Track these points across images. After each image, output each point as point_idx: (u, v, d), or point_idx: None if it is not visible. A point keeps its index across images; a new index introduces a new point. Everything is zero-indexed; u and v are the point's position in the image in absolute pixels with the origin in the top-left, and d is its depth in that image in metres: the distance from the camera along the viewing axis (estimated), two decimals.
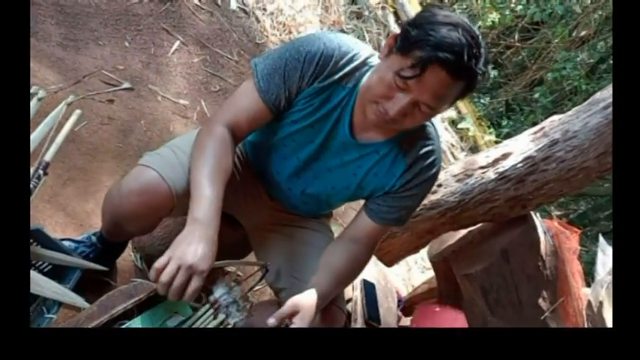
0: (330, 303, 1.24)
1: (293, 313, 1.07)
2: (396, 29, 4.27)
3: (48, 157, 1.16)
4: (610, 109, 1.58)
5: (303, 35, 1.18)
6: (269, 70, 1.11)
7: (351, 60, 1.11)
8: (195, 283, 0.94)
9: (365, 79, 1.11)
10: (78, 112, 1.23)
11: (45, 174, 1.14)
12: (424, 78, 0.97)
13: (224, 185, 1.06)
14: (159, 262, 0.94)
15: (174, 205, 1.14)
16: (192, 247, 0.95)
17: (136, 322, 0.96)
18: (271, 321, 1.04)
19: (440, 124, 4.17)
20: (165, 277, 0.92)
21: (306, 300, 1.09)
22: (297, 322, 1.06)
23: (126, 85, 2.00)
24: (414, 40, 0.97)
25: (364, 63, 1.12)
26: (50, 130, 1.17)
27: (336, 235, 1.53)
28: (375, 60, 1.13)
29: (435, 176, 1.22)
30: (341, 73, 1.11)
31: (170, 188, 1.12)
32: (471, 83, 1.01)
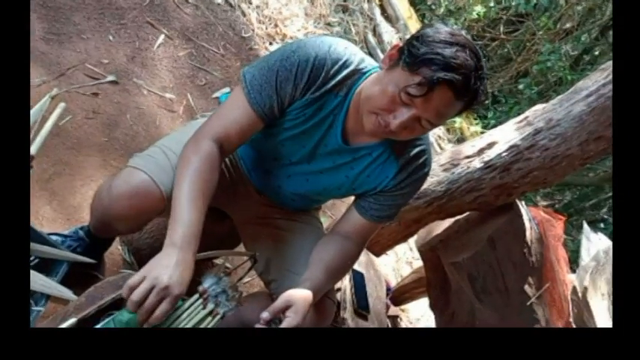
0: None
1: (286, 307, 1.05)
2: (382, 22, 4.28)
3: (33, 150, 1.14)
4: (592, 98, 1.60)
5: (292, 41, 1.17)
6: (260, 80, 1.10)
7: (342, 67, 1.10)
8: (165, 306, 0.91)
9: (359, 85, 1.11)
10: (62, 104, 1.22)
11: (30, 167, 1.13)
12: (431, 97, 0.99)
13: (206, 207, 1.04)
14: (132, 280, 0.91)
15: (165, 208, 1.13)
16: (168, 270, 0.92)
17: (124, 313, 0.96)
18: (265, 315, 1.03)
19: None
20: (136, 295, 0.89)
21: (299, 294, 1.08)
22: (291, 316, 1.04)
23: (110, 77, 1.99)
24: (422, 58, 0.97)
25: (356, 70, 1.11)
26: (34, 124, 1.16)
27: (325, 226, 1.54)
28: (366, 65, 1.12)
29: (426, 175, 1.23)
30: (333, 82, 1.10)
31: (161, 192, 1.11)
32: (472, 103, 1.03)
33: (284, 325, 1.03)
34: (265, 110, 1.11)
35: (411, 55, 0.99)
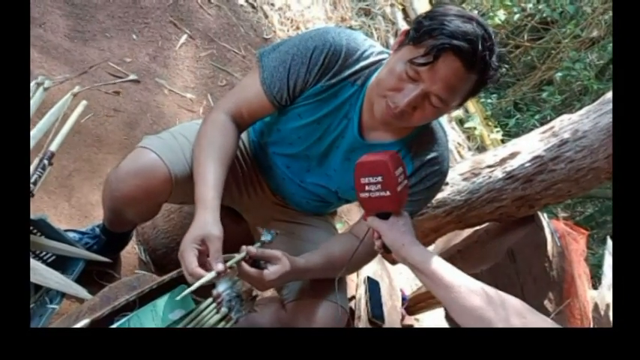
0: (332, 301, 1.23)
1: (272, 259, 1.06)
2: (404, 26, 4.25)
3: (53, 147, 1.15)
4: None
5: (311, 29, 1.18)
6: (275, 63, 1.10)
7: (360, 58, 1.09)
8: (218, 266, 0.95)
9: (374, 76, 1.09)
10: (84, 102, 1.23)
11: (50, 164, 1.14)
12: (437, 66, 0.95)
13: (226, 170, 1.08)
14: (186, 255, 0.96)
15: (173, 189, 1.12)
16: (207, 225, 0.98)
17: (138, 315, 0.95)
18: (251, 249, 1.04)
19: (447, 123, 4.15)
20: (190, 267, 0.94)
21: (290, 259, 1.08)
22: (270, 269, 1.05)
23: (132, 77, 2.00)
24: (427, 30, 0.96)
25: (375, 61, 1.10)
26: (56, 120, 1.17)
27: (340, 232, 1.51)
28: (385, 57, 1.11)
29: (440, 184, 1.20)
30: (350, 71, 1.09)
31: (169, 171, 1.10)
32: (483, 77, 0.99)
33: (264, 272, 1.04)
34: (275, 93, 1.11)
35: (416, 30, 0.98)
